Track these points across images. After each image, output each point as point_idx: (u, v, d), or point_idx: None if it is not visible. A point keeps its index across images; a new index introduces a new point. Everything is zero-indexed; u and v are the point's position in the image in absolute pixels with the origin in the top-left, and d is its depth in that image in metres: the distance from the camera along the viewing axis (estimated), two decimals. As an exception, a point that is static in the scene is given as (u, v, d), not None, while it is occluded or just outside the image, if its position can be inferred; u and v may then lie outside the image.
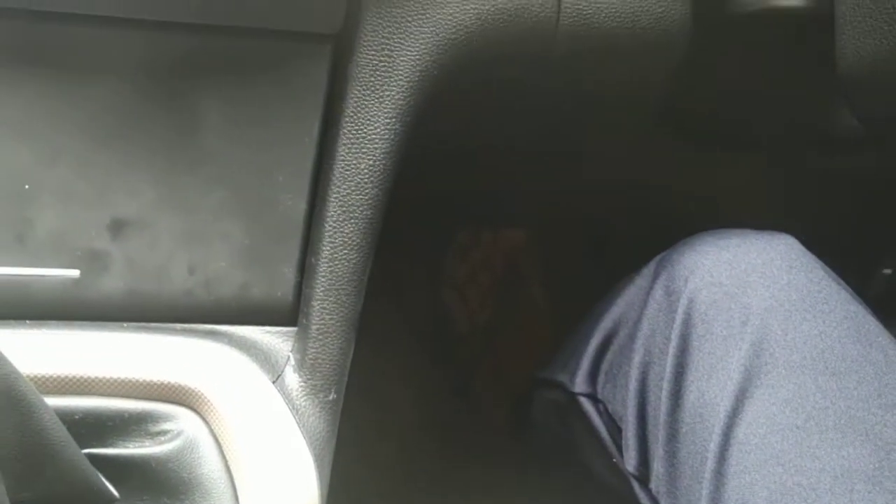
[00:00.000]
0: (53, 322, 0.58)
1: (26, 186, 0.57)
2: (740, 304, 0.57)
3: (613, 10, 0.65)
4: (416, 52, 0.60)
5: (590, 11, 0.64)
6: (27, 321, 0.57)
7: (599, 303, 0.71)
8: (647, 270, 0.66)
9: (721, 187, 0.93)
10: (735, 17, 0.66)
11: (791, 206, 0.97)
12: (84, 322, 0.58)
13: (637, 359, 0.62)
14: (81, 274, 0.58)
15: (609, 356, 0.67)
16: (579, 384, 0.68)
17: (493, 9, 0.62)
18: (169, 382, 0.55)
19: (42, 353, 0.54)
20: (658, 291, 0.62)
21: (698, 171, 0.90)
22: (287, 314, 0.62)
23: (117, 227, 0.59)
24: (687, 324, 0.59)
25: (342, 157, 0.60)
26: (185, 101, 0.59)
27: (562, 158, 0.88)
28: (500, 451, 1.01)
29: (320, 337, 0.59)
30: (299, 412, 0.58)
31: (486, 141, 0.83)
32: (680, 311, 0.59)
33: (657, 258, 0.66)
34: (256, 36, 0.59)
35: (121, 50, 0.57)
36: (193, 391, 0.55)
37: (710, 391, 0.56)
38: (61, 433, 0.47)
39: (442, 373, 1.12)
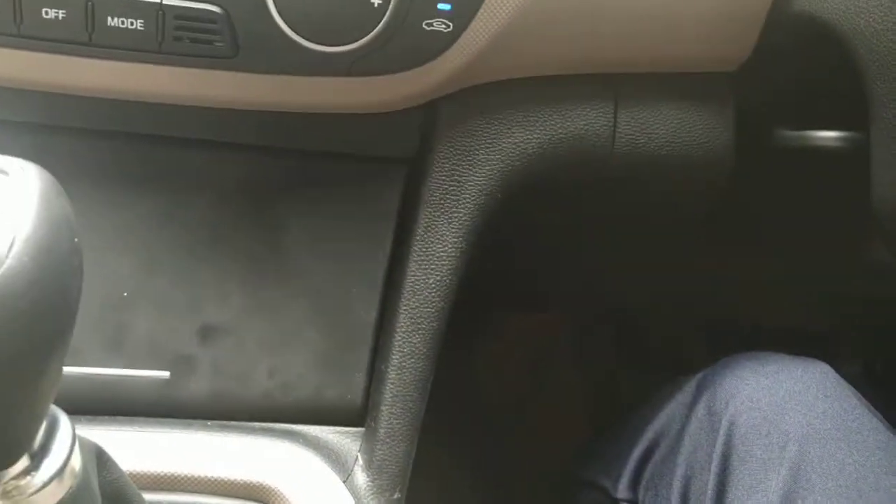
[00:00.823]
0: (144, 419, 0.63)
1: (125, 294, 0.62)
2: (779, 429, 0.62)
3: (664, 139, 0.70)
4: (482, 179, 0.66)
5: (642, 140, 0.70)
6: (120, 418, 0.62)
7: (639, 412, 0.75)
8: (689, 387, 0.71)
9: (748, 285, 0.97)
10: (776, 150, 0.71)
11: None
12: (172, 420, 0.63)
13: (680, 472, 0.67)
14: (171, 375, 0.63)
15: (651, 466, 0.71)
16: (622, 490, 0.73)
17: (553, 138, 0.67)
18: (250, 482, 0.59)
19: (136, 451, 0.59)
20: (700, 410, 0.67)
21: (737, 271, 0.95)
22: (356, 416, 0.66)
23: (206, 333, 0.64)
24: (728, 444, 0.63)
25: (412, 273, 0.65)
26: (272, 219, 0.64)
27: (603, 254, 0.93)
28: None
29: (388, 440, 0.64)
30: None
31: (537, 241, 0.88)
32: (722, 431, 0.64)
33: (698, 376, 0.71)
34: (338, 159, 0.65)
35: (216, 171, 0.63)
36: (272, 489, 0.59)
37: None
38: None
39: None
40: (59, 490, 0.42)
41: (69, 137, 0.60)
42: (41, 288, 0.36)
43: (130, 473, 0.57)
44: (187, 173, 0.63)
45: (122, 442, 0.59)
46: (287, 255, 0.65)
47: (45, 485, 0.41)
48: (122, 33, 0.55)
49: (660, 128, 0.70)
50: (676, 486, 0.67)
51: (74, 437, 0.43)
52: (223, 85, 0.59)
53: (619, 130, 0.69)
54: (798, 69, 0.71)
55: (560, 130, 0.67)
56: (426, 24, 0.58)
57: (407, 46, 0.59)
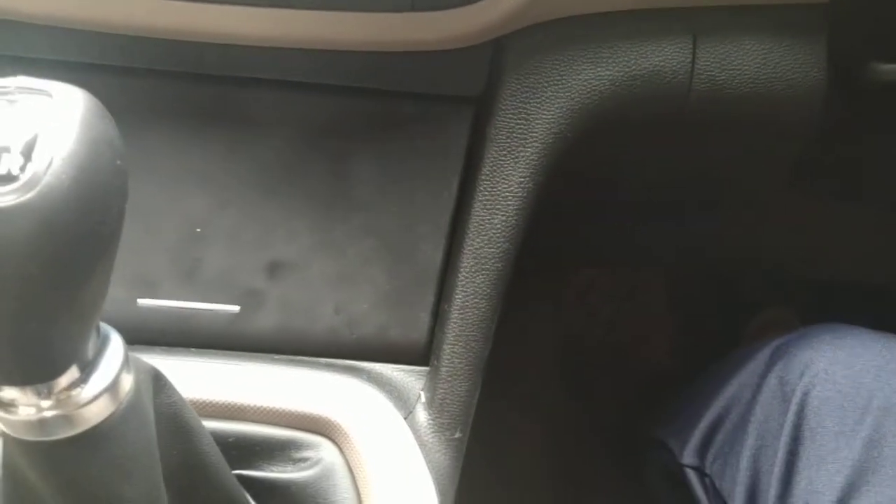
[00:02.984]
0: (215, 351, 0.65)
1: (198, 230, 0.64)
2: (854, 403, 0.60)
3: (747, 77, 0.66)
4: (551, 117, 0.64)
5: (723, 77, 0.66)
6: (192, 349, 0.65)
7: (713, 377, 0.73)
8: (762, 356, 0.69)
9: (840, 239, 0.92)
10: (874, 89, 0.66)
11: None
12: (241, 353, 0.65)
13: (750, 441, 0.65)
14: (241, 309, 0.65)
15: (721, 435, 0.70)
16: (688, 456, 0.72)
17: (626, 74, 0.65)
18: (312, 414, 0.60)
19: (204, 380, 0.61)
20: (772, 380, 0.65)
21: (826, 225, 0.90)
22: (420, 355, 0.67)
23: (274, 269, 0.65)
24: (800, 415, 0.62)
25: (477, 213, 0.64)
26: (339, 158, 0.65)
27: (688, 207, 0.89)
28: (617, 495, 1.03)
29: (449, 378, 0.64)
30: (427, 448, 0.62)
31: (615, 191, 0.85)
32: (794, 402, 0.62)
33: (773, 345, 0.68)
34: (406, 99, 0.65)
35: (284, 111, 0.64)
36: (333, 423, 0.60)
37: (819, 480, 0.58)
38: (217, 456, 0.53)
39: (570, 405, 1.15)
40: (110, 405, 0.44)
41: (145, 79, 0.62)
42: (79, 206, 0.37)
43: (195, 401, 0.60)
44: (257, 113, 0.64)
45: (191, 371, 0.61)
46: (354, 194, 0.65)
47: (94, 398, 0.43)
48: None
49: (743, 64, 0.66)
50: (746, 456, 0.65)
51: (126, 355, 0.45)
52: (289, 24, 0.59)
53: (698, 67, 0.66)
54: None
55: (633, 67, 0.65)
56: (488, -44, 0.57)
57: (469, -21, 0.58)
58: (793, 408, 0.63)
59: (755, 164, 0.77)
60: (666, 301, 1.20)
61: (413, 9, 0.58)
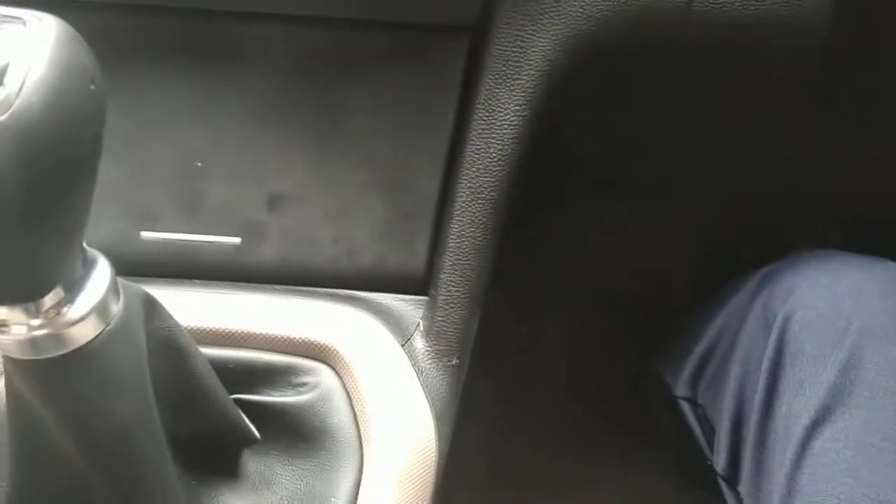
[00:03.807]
0: (217, 282, 0.66)
1: (198, 164, 0.65)
2: (833, 326, 0.59)
3: None
4: (547, 44, 0.64)
5: None
6: (196, 280, 0.66)
7: (705, 307, 0.73)
8: (751, 284, 0.68)
9: (857, 163, 0.90)
10: (885, 8, 0.64)
11: None
12: (242, 283, 0.66)
13: (735, 369, 0.65)
14: (242, 241, 0.66)
15: (711, 364, 0.70)
16: (680, 388, 0.72)
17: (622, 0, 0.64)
18: (311, 340, 0.62)
19: (206, 309, 0.62)
20: (757, 307, 0.65)
21: (839, 149, 0.88)
22: (419, 284, 0.67)
23: (274, 201, 0.66)
24: (781, 340, 0.61)
25: (472, 142, 0.64)
26: (334, 91, 0.65)
27: (696, 138, 0.88)
28: (621, 418, 1.03)
29: (446, 307, 0.64)
30: (424, 374, 0.63)
31: (625, 121, 0.84)
32: (775, 327, 0.62)
33: (761, 272, 0.68)
34: (398, 28, 0.65)
35: (277, 44, 0.64)
36: (332, 349, 0.61)
37: (797, 404, 0.58)
38: (212, 379, 0.55)
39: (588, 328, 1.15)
40: (98, 325, 0.45)
41: (139, 15, 0.63)
42: (51, 127, 0.38)
43: (197, 329, 0.62)
44: (251, 47, 0.64)
45: (193, 300, 0.63)
46: (350, 127, 0.66)
47: (82, 318, 0.44)
48: None
49: None
50: (731, 382, 0.65)
51: (114, 278, 0.47)
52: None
53: None
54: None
55: None
56: None
57: None
58: (774, 333, 0.62)
59: (761, 91, 0.76)
60: (692, 236, 1.19)
61: (400, -65, 0.58)
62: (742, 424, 0.64)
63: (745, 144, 0.90)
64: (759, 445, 0.61)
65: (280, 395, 0.61)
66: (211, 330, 0.61)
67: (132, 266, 0.66)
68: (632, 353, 0.95)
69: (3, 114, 0.37)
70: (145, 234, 0.66)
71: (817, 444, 0.56)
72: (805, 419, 0.57)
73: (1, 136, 0.37)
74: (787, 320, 0.62)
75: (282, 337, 0.61)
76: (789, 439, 0.58)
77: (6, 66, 0.38)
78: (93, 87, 0.41)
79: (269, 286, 0.67)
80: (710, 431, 0.69)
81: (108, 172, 0.66)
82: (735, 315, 0.69)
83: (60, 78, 0.39)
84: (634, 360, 0.89)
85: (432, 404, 0.62)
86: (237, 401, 0.59)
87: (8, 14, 0.41)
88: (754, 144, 0.90)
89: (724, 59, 0.70)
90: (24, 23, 0.40)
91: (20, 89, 0.37)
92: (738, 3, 0.65)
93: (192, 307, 0.62)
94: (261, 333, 0.61)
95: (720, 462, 0.66)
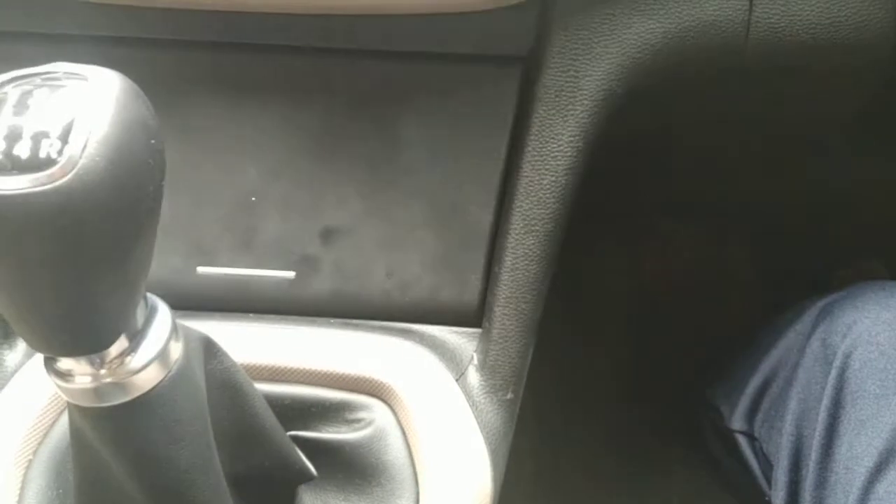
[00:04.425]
0: (272, 316, 0.67)
1: (253, 199, 0.66)
2: None
3: (808, 22, 0.63)
4: (601, 73, 0.63)
5: (782, 24, 0.63)
6: (250, 314, 0.67)
7: (762, 338, 0.71)
8: (808, 317, 0.66)
9: None
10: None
11: None
12: (297, 317, 0.67)
13: (793, 405, 0.64)
14: (296, 275, 0.67)
15: (768, 399, 0.69)
16: (736, 421, 0.71)
17: (679, 27, 0.63)
18: (366, 377, 0.62)
19: (262, 345, 0.63)
20: (815, 343, 0.63)
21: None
22: (473, 316, 0.67)
23: (327, 235, 0.66)
24: (841, 378, 0.60)
25: (526, 174, 0.64)
26: (387, 122, 0.65)
27: (755, 163, 0.87)
28: (674, 449, 1.02)
29: (500, 341, 0.64)
30: (478, 409, 0.63)
31: (680, 146, 0.83)
32: (836, 365, 0.60)
33: (819, 304, 0.66)
34: (451, 60, 0.64)
35: (332, 78, 0.65)
36: (386, 386, 0.61)
37: (859, 445, 0.57)
38: (270, 419, 0.55)
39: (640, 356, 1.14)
40: (160, 372, 0.46)
41: (192, 52, 0.63)
42: (115, 185, 0.39)
43: (254, 366, 0.62)
44: (304, 81, 0.64)
45: (249, 336, 0.63)
46: (403, 158, 0.65)
47: (145, 366, 0.45)
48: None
49: (804, 9, 0.63)
50: (789, 419, 0.64)
51: (174, 324, 0.47)
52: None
53: (756, 15, 0.63)
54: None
55: (686, 18, 0.63)
56: (527, -90, 0.56)
57: (508, -64, 0.56)
58: (834, 371, 0.61)
59: (823, 113, 0.74)
60: (750, 253, 1.17)
61: (454, -30, 0.58)
62: (801, 463, 0.63)
63: (805, 166, 0.89)
64: (820, 486, 0.60)
65: (335, 432, 0.61)
66: (267, 367, 0.62)
67: (189, 301, 0.67)
68: (687, 379, 0.94)
69: (69, 172, 0.37)
70: (201, 269, 0.67)
71: (881, 487, 0.55)
72: (867, 461, 0.56)
73: (68, 194, 0.37)
74: (847, 357, 0.60)
75: (336, 373, 0.62)
76: (851, 482, 0.57)
77: (71, 124, 0.38)
78: (153, 141, 0.42)
79: (323, 319, 0.67)
80: (767, 467, 0.68)
81: (164, 208, 0.67)
82: (793, 349, 0.67)
83: (122, 136, 0.39)
84: (688, 387, 0.88)
85: (487, 439, 0.62)
86: (293, 437, 0.59)
87: (71, 71, 0.41)
88: (816, 167, 0.88)
89: (784, 81, 0.69)
90: (87, 79, 0.41)
91: (84, 148, 0.38)
92: (797, 28, 0.63)
93: (247, 343, 0.62)
94: (316, 370, 0.62)
95: (778, 500, 0.64)
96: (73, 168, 0.37)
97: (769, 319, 0.73)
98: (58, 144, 0.38)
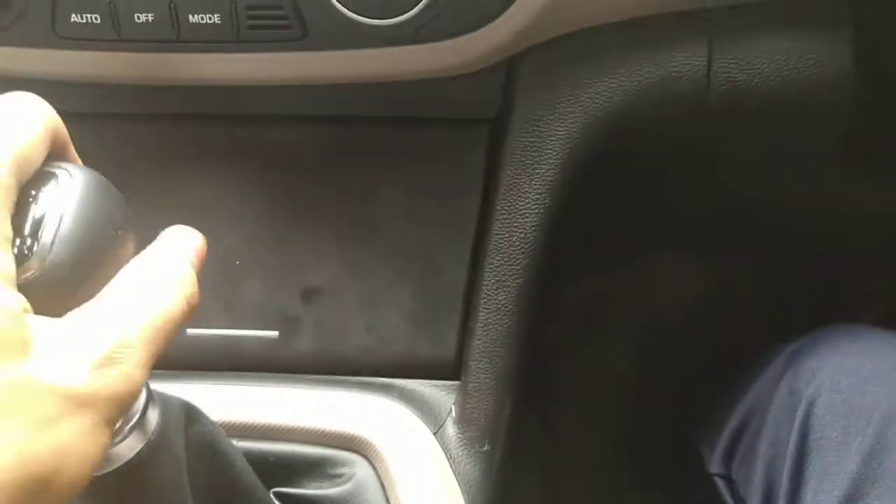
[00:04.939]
0: (257, 374, 0.69)
1: (237, 262, 0.69)
2: (857, 412, 0.59)
3: (766, 74, 0.65)
4: (564, 133, 0.65)
5: (741, 77, 0.65)
6: (237, 373, 0.70)
7: (739, 380, 0.73)
8: (779, 362, 0.68)
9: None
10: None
11: None
12: (280, 375, 0.69)
13: (763, 450, 0.65)
14: (280, 334, 0.69)
15: (743, 442, 0.70)
16: (715, 464, 0.72)
17: (640, 84, 0.65)
18: (346, 433, 0.64)
19: (248, 404, 0.65)
20: (783, 388, 0.65)
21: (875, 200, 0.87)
22: (451, 370, 0.69)
23: (308, 294, 0.69)
24: (805, 425, 0.61)
25: (496, 232, 0.66)
26: (362, 185, 0.68)
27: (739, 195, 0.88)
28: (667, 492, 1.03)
29: (476, 394, 0.66)
30: (456, 461, 0.65)
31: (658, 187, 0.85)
32: (800, 412, 0.62)
33: (789, 348, 0.67)
34: (421, 123, 0.67)
35: (307, 144, 0.68)
36: (366, 441, 0.63)
37: (822, 493, 0.58)
38: (251, 478, 0.58)
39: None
40: (138, 442, 0.48)
41: (170, 124, 0.67)
42: (82, 277, 0.42)
43: (240, 424, 0.64)
44: (280, 148, 0.67)
45: (234, 396, 0.66)
46: (379, 219, 0.68)
47: (123, 438, 0.47)
48: (204, 28, 0.60)
49: (762, 62, 0.65)
50: (760, 465, 0.65)
51: (150, 392, 0.50)
52: (300, 65, 0.62)
53: (715, 69, 0.65)
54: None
55: (646, 76, 0.65)
56: (483, -15, 0.58)
57: (465, 9, 0.59)
58: (799, 418, 0.62)
59: (796, 154, 0.76)
60: (758, 285, 1.18)
61: (414, 41, 0.60)
62: None
63: (792, 199, 0.90)
64: None
65: (318, 487, 0.63)
66: (253, 425, 0.64)
67: (179, 361, 0.70)
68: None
69: (38, 266, 0.40)
70: (190, 331, 0.70)
71: None
72: None
73: (37, 288, 0.40)
74: (811, 405, 0.62)
75: (319, 430, 0.64)
76: None
77: (42, 220, 0.41)
78: (121, 232, 0.44)
79: (305, 376, 0.69)
80: None
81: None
82: (765, 393, 0.69)
83: (88, 230, 0.42)
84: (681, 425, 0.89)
85: (465, 491, 0.63)
86: (277, 494, 0.61)
87: (49, 169, 0.44)
88: (802, 198, 0.90)
89: (752, 128, 0.71)
90: (57, 177, 0.44)
91: (52, 243, 0.41)
92: (756, 81, 0.65)
93: (234, 402, 0.65)
94: (299, 427, 0.64)
95: None
96: (42, 262, 0.40)
97: (748, 362, 0.75)
98: (28, 241, 0.41)
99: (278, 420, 0.64)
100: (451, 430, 0.66)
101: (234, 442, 0.61)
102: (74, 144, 0.69)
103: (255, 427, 0.64)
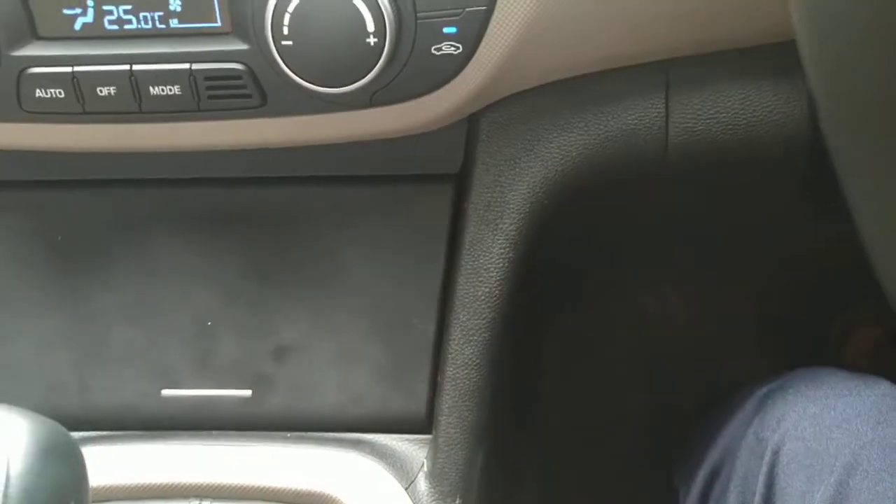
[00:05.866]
0: (230, 433, 0.70)
1: (209, 323, 0.70)
2: (821, 460, 0.58)
3: (724, 124, 0.66)
4: (525, 187, 0.66)
5: (700, 127, 0.66)
6: (211, 432, 0.70)
7: (715, 421, 0.73)
8: (749, 405, 0.68)
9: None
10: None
11: None
12: (254, 434, 0.70)
13: (733, 498, 0.65)
14: (252, 392, 0.70)
15: (717, 487, 0.70)
16: None
17: (598, 138, 0.66)
18: (318, 492, 0.65)
19: (222, 464, 0.66)
20: (751, 435, 0.65)
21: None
22: (423, 424, 0.70)
23: (280, 353, 0.70)
24: (771, 474, 0.61)
25: (461, 286, 0.67)
26: (330, 243, 0.69)
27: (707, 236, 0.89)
28: None
29: (446, 448, 0.67)
30: None
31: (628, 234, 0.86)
32: (766, 459, 0.61)
33: (759, 392, 0.67)
34: (386, 181, 0.68)
35: (274, 204, 0.69)
36: (337, 500, 0.64)
37: None
38: None
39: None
40: None
41: (140, 189, 0.68)
42: None
43: (213, 485, 0.65)
44: (247, 210, 0.69)
45: (208, 456, 0.67)
46: (347, 276, 0.69)
47: None
48: (164, 99, 0.61)
49: (720, 111, 0.65)
50: None
51: None
52: (262, 130, 0.63)
53: (674, 120, 0.66)
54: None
55: (604, 129, 0.65)
56: (435, 50, 0.59)
57: (421, 73, 0.60)
58: (765, 467, 0.62)
59: (760, 198, 0.76)
60: (754, 313, 1.17)
61: (372, 105, 0.61)
62: None
63: (761, 236, 0.90)
64: None
65: (291, 547, 0.64)
66: (227, 486, 0.65)
67: (155, 421, 0.71)
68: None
69: None
70: (165, 392, 0.71)
71: None
72: None
73: None
74: (776, 453, 0.61)
75: (292, 490, 0.65)
76: None
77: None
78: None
79: (279, 434, 0.70)
80: None
81: (128, 336, 0.71)
82: (735, 438, 0.69)
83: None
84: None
85: None
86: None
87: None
88: (771, 236, 0.90)
89: (713, 176, 0.71)
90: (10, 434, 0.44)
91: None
92: (715, 130, 0.66)
93: (206, 462, 0.66)
94: (272, 487, 0.65)
95: None
96: None
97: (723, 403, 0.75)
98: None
99: (250, 480, 0.65)
100: (422, 484, 0.67)
101: (209, 503, 0.63)
102: (44, 212, 0.71)
103: (229, 488, 0.65)
